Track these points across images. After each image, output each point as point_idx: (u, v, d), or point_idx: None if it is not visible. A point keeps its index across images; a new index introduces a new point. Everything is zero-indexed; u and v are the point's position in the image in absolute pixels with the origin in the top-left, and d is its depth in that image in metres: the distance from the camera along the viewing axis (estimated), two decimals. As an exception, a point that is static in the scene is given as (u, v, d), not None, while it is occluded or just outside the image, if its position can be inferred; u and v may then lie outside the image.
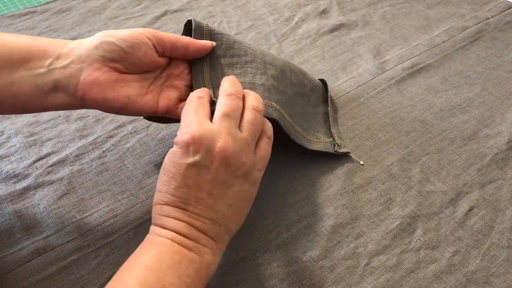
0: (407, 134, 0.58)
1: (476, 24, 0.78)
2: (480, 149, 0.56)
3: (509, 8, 0.82)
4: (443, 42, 0.74)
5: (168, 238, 0.36)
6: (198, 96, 0.42)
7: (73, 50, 0.42)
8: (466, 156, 0.55)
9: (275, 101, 0.49)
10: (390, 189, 0.51)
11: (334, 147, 0.54)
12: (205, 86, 0.47)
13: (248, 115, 0.40)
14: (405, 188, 0.52)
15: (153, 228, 0.38)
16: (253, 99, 0.42)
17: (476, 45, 0.74)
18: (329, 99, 0.60)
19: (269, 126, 0.43)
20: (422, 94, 0.64)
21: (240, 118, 0.40)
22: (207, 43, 0.47)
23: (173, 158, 0.37)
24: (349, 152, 0.55)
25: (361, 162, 0.54)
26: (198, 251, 0.36)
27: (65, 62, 0.42)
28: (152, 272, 0.33)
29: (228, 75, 0.47)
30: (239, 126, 0.40)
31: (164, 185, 0.37)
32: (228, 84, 0.42)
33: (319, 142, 0.55)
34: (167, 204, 0.37)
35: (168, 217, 0.37)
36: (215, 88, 0.47)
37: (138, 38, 0.42)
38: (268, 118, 0.46)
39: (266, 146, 0.42)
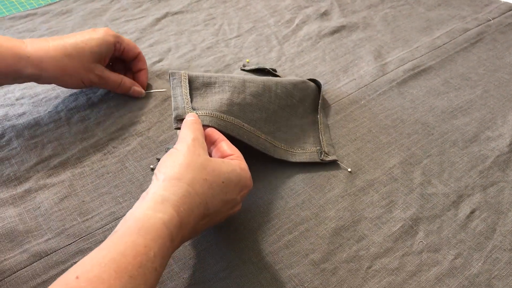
0: (408, 137, 0.58)
1: (477, 26, 0.78)
2: (482, 152, 0.56)
3: (510, 10, 0.82)
4: (444, 44, 0.74)
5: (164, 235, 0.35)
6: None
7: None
8: (468, 158, 0.55)
9: (249, 120, 0.52)
10: (391, 192, 0.51)
11: (321, 156, 0.54)
12: (183, 99, 0.51)
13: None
14: (407, 191, 0.51)
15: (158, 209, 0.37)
16: None
17: (477, 47, 0.74)
18: (319, 106, 0.60)
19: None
20: (424, 96, 0.64)
21: None
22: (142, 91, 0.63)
23: (235, 188, 0.42)
24: (337, 160, 0.55)
25: (349, 170, 0.54)
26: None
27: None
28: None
29: (207, 94, 0.51)
30: None
31: (208, 190, 0.40)
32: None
33: (304, 153, 0.55)
34: (190, 204, 0.38)
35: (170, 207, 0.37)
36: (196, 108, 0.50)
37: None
38: (237, 138, 0.50)
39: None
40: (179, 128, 0.47)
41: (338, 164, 0.54)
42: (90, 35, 0.57)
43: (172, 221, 0.36)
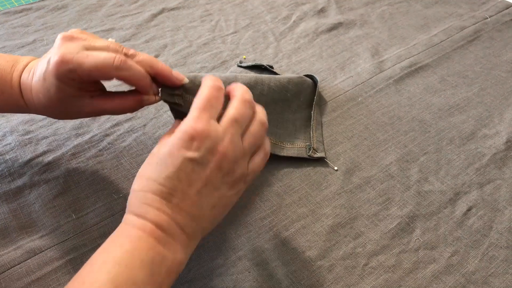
0: (405, 134, 0.58)
1: (474, 24, 0.78)
2: (479, 149, 0.56)
3: (507, 8, 0.82)
4: (441, 42, 0.74)
5: (145, 232, 0.34)
6: (217, 87, 0.39)
7: None
8: (465, 156, 0.55)
9: None
10: (388, 189, 0.51)
11: (309, 151, 0.54)
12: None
13: (254, 127, 0.40)
14: (404, 188, 0.51)
15: (129, 217, 0.36)
16: (262, 113, 0.41)
17: (474, 44, 0.74)
18: (314, 102, 0.60)
19: (268, 143, 0.42)
20: (421, 93, 0.64)
21: (246, 127, 0.39)
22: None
23: (171, 148, 0.36)
24: (325, 158, 0.55)
25: (335, 168, 0.54)
26: (172, 248, 0.35)
27: None
28: (125, 268, 0.32)
29: (196, 80, 0.45)
30: (243, 134, 0.39)
31: (153, 172, 0.36)
32: (244, 91, 0.40)
33: (293, 148, 0.55)
34: (152, 192, 0.36)
35: (151, 206, 0.35)
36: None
37: None
38: None
39: (260, 162, 0.41)
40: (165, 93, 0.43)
41: (334, 161, 0.54)
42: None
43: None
